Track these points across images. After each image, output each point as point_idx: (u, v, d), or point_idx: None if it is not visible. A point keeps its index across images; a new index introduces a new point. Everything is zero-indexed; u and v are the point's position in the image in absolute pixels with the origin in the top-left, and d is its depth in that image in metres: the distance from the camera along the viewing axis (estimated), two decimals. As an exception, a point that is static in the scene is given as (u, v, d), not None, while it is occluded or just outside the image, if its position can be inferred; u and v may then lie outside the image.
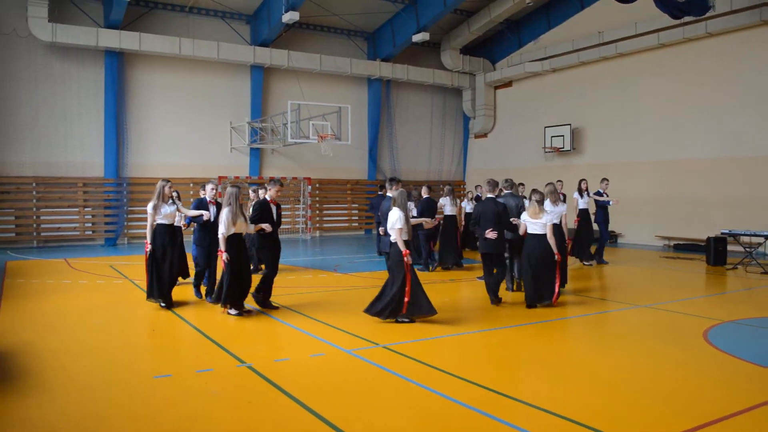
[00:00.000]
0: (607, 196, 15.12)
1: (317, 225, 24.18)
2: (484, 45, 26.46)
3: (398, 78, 24.91)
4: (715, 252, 14.56)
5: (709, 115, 18.70)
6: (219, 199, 10.34)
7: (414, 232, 14.72)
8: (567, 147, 22.66)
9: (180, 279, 10.14)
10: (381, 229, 9.47)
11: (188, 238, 10.52)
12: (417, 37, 22.09)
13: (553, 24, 23.64)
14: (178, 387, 5.75)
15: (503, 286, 10.47)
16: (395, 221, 8.19)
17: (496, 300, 9.66)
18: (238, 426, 4.81)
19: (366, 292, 11.25)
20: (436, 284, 11.90)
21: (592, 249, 14.96)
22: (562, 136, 22.83)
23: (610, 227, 16.51)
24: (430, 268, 13.67)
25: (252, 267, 11.37)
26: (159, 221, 9.25)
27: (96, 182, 19.97)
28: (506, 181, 10.93)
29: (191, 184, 21.02)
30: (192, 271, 10.42)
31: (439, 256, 14.08)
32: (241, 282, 8.81)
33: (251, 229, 8.99)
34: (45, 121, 19.20)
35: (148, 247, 9.08)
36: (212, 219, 9.75)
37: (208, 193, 10.10)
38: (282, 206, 10.03)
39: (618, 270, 14.14)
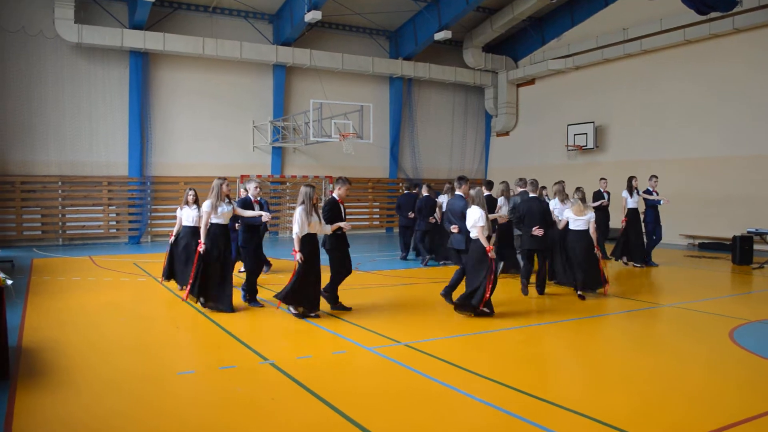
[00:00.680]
0: (657, 194, 14.41)
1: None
2: (507, 43, 26.31)
3: (420, 76, 24.86)
4: (740, 251, 14.36)
5: (735, 112, 18.42)
6: (261, 198, 10.53)
7: (411, 229, 14.92)
8: (590, 145, 22.47)
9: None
10: (454, 227, 9.48)
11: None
12: (439, 36, 22.02)
13: (577, 21, 23.43)
14: (201, 383, 5.79)
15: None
16: (477, 219, 8.49)
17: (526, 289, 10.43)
18: (261, 422, 4.83)
19: (387, 290, 11.27)
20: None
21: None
22: (586, 134, 22.64)
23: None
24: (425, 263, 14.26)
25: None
26: (214, 221, 8.87)
27: (120, 181, 20.19)
28: (520, 180, 11.27)
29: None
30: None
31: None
32: (311, 282, 8.63)
33: (327, 229, 8.86)
34: (71, 120, 19.46)
35: (202, 247, 8.77)
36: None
37: (251, 191, 9.84)
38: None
39: (642, 269, 13.98)
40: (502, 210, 11.87)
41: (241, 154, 22.28)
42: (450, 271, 12.17)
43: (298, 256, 8.40)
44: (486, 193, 10.77)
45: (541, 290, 10.39)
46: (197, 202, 10.30)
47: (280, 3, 21.62)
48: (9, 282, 6.28)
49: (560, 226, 10.59)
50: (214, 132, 21.66)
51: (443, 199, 14.35)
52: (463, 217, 9.11)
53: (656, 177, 14.63)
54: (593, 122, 22.43)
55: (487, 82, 26.41)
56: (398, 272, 13.29)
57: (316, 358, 6.63)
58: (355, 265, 14.40)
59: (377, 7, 22.70)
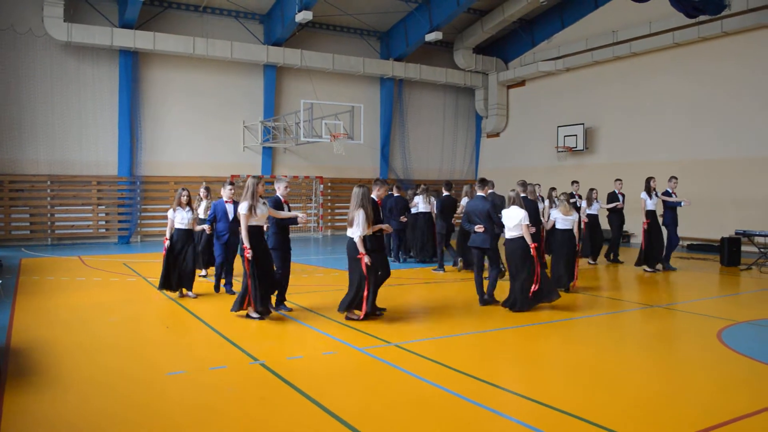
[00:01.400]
0: (676, 195, 13.97)
1: (329, 224, 24.22)
2: (497, 44, 26.39)
3: (411, 77, 24.90)
4: (729, 252, 14.46)
5: (724, 115, 18.56)
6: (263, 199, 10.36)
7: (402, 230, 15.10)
8: (580, 146, 22.57)
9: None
10: (479, 227, 9.47)
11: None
12: (430, 37, 22.06)
13: (567, 23, 23.54)
14: (192, 384, 5.78)
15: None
16: (522, 218, 9.05)
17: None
18: (251, 422, 4.83)
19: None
20: (448, 283, 11.91)
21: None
22: (575, 135, 22.74)
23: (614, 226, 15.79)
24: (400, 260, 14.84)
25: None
26: (253, 223, 8.37)
27: (110, 180, 20.11)
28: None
29: (203, 183, 21.06)
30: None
31: (458, 253, 13.87)
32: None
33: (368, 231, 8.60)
34: (60, 119, 19.36)
35: (249, 253, 8.16)
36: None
37: (280, 191, 9.27)
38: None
39: (631, 270, 14.06)
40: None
41: (232, 154, 22.23)
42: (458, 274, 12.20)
43: (367, 259, 8.16)
44: (445, 193, 12.67)
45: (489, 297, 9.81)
46: (191, 203, 10.09)
47: (271, 3, 21.59)
48: (-2, 282, 6.25)
49: (548, 226, 11.16)
50: (205, 132, 21.61)
51: (418, 200, 14.87)
52: (487, 217, 9.41)
53: (675, 178, 14.14)
54: (583, 124, 22.54)
55: (478, 84, 26.48)
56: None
57: (306, 359, 6.63)
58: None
59: (368, 7, 22.72)
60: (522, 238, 9.09)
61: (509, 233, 9.21)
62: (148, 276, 12.41)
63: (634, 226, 19.63)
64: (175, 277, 9.84)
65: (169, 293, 10.17)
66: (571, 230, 10.66)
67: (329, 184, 24.10)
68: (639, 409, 5.13)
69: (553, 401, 5.23)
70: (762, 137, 17.60)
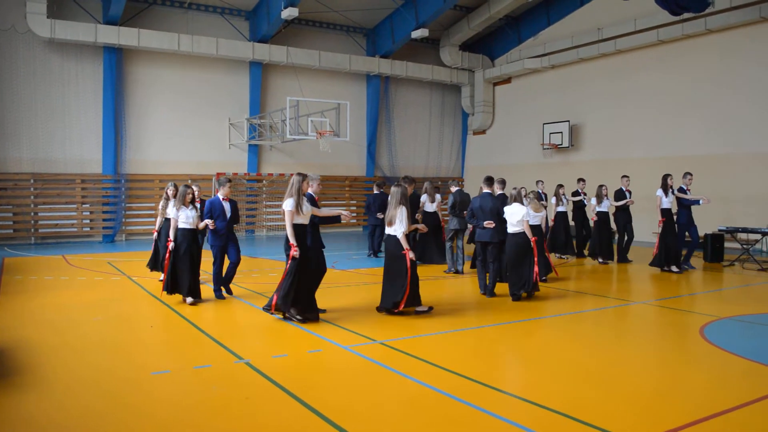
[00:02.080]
0: (690, 193, 13.46)
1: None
2: (484, 41, 26.45)
3: (397, 74, 24.91)
4: (712, 249, 14.58)
5: (709, 111, 18.71)
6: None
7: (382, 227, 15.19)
8: (565, 144, 22.67)
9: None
10: (488, 222, 10.04)
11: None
12: (416, 34, 22.08)
13: (553, 20, 23.63)
14: (176, 383, 5.76)
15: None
16: (525, 214, 9.74)
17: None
18: (236, 422, 4.82)
19: (364, 288, 11.28)
20: (430, 281, 11.93)
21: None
22: (561, 132, 22.84)
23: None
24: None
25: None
26: (298, 221, 8.15)
27: (94, 179, 19.97)
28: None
29: (189, 180, 21.02)
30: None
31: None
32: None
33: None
34: (43, 117, 19.19)
35: (296, 251, 7.98)
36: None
37: (314, 188, 8.93)
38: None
39: (616, 267, 14.16)
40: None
41: (217, 151, 22.15)
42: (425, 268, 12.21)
43: (411, 254, 8.38)
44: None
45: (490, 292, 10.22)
46: (194, 201, 9.56)
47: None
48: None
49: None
50: (190, 129, 21.52)
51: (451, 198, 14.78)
52: (494, 213, 10.04)
53: (690, 174, 13.61)
54: (568, 121, 22.64)
55: (464, 81, 26.53)
56: (375, 270, 13.30)
57: (291, 357, 6.62)
58: (332, 264, 14.45)
59: (354, 4, 22.69)
60: (524, 232, 9.77)
61: (512, 228, 9.86)
62: (133, 275, 12.35)
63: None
64: (185, 280, 9.27)
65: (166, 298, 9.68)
66: (539, 225, 11.40)
67: (316, 182, 24.00)
68: (620, 404, 5.16)
69: (538, 397, 5.25)
70: (745, 134, 17.77)
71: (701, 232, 15.49)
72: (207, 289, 10.26)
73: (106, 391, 5.52)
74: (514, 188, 10.23)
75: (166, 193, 10.90)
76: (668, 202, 13.17)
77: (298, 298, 8.10)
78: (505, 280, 10.43)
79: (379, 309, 8.69)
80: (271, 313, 8.37)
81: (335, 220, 9.06)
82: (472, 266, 13.01)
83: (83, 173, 19.83)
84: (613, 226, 15.09)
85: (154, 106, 20.95)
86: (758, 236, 15.27)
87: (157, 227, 11.29)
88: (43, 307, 9.26)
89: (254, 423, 4.81)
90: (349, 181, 24.95)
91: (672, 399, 5.36)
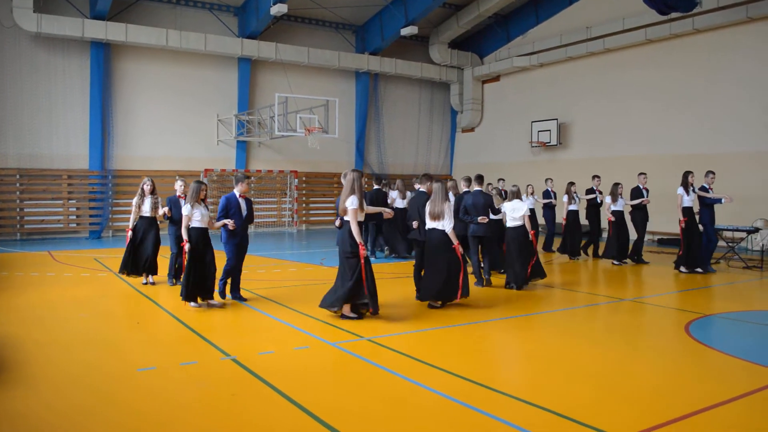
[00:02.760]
0: (713, 191, 12.97)
1: (304, 218, 24.15)
2: (473, 39, 26.49)
3: (386, 71, 24.90)
4: (698, 247, 14.63)
5: (696, 110, 18.84)
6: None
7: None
8: (554, 141, 22.75)
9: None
10: (482, 218, 10.45)
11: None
12: (405, 31, 22.07)
13: (542, 19, 23.70)
14: (162, 379, 5.74)
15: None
16: (526, 209, 10.52)
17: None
18: (222, 418, 4.81)
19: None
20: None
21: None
22: (549, 130, 22.93)
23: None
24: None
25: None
26: (360, 219, 8.10)
27: (81, 174, 19.85)
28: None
29: (176, 177, 20.91)
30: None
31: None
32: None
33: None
34: (30, 112, 19.05)
35: (365, 251, 7.96)
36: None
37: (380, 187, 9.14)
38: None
39: (602, 264, 14.24)
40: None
41: (205, 148, 22.07)
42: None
43: (461, 248, 8.84)
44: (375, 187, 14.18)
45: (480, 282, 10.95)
46: (206, 198, 9.11)
47: (246, -5, 21.46)
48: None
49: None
50: (178, 125, 21.42)
51: (394, 195, 15.21)
52: (487, 209, 10.63)
53: (713, 173, 13.17)
54: (557, 119, 22.72)
55: (453, 78, 26.57)
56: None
57: (278, 354, 6.61)
58: (320, 260, 14.45)
59: (344, 1, 22.65)
60: (523, 226, 10.51)
61: (512, 222, 10.62)
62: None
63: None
64: (206, 285, 8.80)
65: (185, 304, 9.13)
66: (523, 225, 11.48)
67: (304, 179, 24.03)
68: (607, 400, 5.19)
69: (524, 394, 5.27)
70: (733, 133, 17.91)
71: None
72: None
73: (94, 387, 5.49)
74: (514, 185, 11.09)
75: (142, 189, 10.52)
76: (689, 200, 12.71)
77: (371, 296, 7.98)
78: (497, 269, 11.65)
79: (423, 299, 9.09)
80: (343, 316, 8.14)
81: (379, 216, 9.19)
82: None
83: (70, 169, 19.71)
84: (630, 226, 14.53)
85: (141, 101, 20.84)
86: (743, 234, 15.37)
87: (131, 225, 10.53)
88: (29, 303, 9.19)
89: (241, 420, 4.80)
90: (337, 178, 24.89)
91: (658, 395, 5.40)
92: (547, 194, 16.44)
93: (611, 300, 10.00)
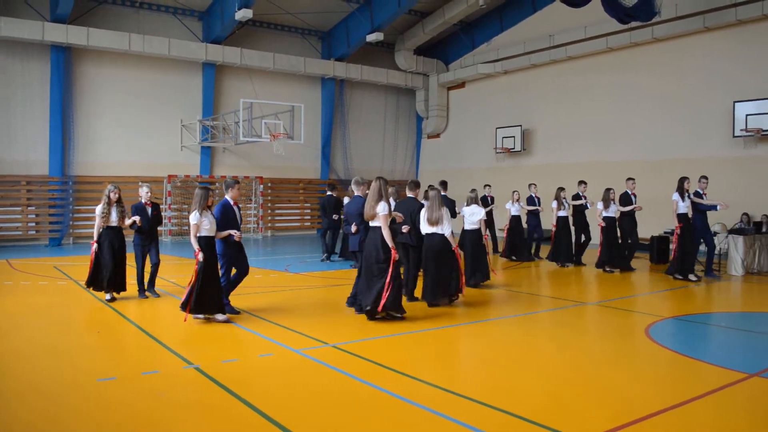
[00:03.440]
0: (707, 197, 12.69)
1: (269, 224, 24.01)
2: (438, 46, 26.66)
3: (352, 78, 24.92)
4: (658, 250, 14.91)
5: (658, 116, 19.23)
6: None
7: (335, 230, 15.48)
8: (518, 148, 23.01)
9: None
10: (405, 227, 10.02)
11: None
12: (371, 37, 22.13)
13: (506, 26, 23.97)
14: (123, 389, 5.64)
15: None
16: (483, 214, 11.13)
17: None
18: (185, 428, 4.76)
19: (316, 291, 11.25)
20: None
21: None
22: (513, 137, 23.18)
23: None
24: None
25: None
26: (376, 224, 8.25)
27: (40, 180, 19.45)
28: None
29: (139, 183, 20.64)
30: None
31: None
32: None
33: None
34: (-13, 116, 18.63)
35: (397, 255, 8.08)
36: None
37: (360, 191, 9.16)
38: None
39: (563, 269, 14.41)
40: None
41: (169, 153, 21.80)
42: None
43: (460, 250, 9.44)
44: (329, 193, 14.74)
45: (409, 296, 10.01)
46: (211, 206, 8.69)
47: (210, 0, 21.27)
48: None
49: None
50: (141, 130, 21.13)
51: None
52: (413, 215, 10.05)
53: (706, 178, 12.86)
54: (521, 126, 22.99)
55: (419, 85, 26.71)
56: (327, 273, 13.28)
57: (242, 362, 6.56)
58: (285, 267, 14.37)
59: (309, 7, 22.62)
60: (479, 229, 11.12)
61: (469, 226, 11.15)
62: (80, 279, 12.04)
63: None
64: (215, 297, 8.30)
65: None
66: (479, 229, 11.74)
67: (269, 185, 23.90)
68: (566, 402, 5.25)
69: (485, 397, 5.31)
70: (695, 139, 18.27)
71: (647, 234, 15.87)
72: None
73: (55, 396, 5.40)
74: (473, 190, 11.53)
75: (108, 197, 9.63)
76: (685, 206, 12.40)
77: (397, 299, 8.33)
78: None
79: (430, 303, 9.42)
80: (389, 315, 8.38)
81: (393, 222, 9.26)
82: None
83: (29, 175, 19.29)
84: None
85: (103, 106, 20.51)
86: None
87: (95, 236, 9.70)
88: (-16, 312, 8.98)
89: (204, 429, 4.75)
90: (303, 184, 24.84)
91: (617, 396, 5.48)
92: (531, 200, 16.16)
93: (571, 304, 10.13)
